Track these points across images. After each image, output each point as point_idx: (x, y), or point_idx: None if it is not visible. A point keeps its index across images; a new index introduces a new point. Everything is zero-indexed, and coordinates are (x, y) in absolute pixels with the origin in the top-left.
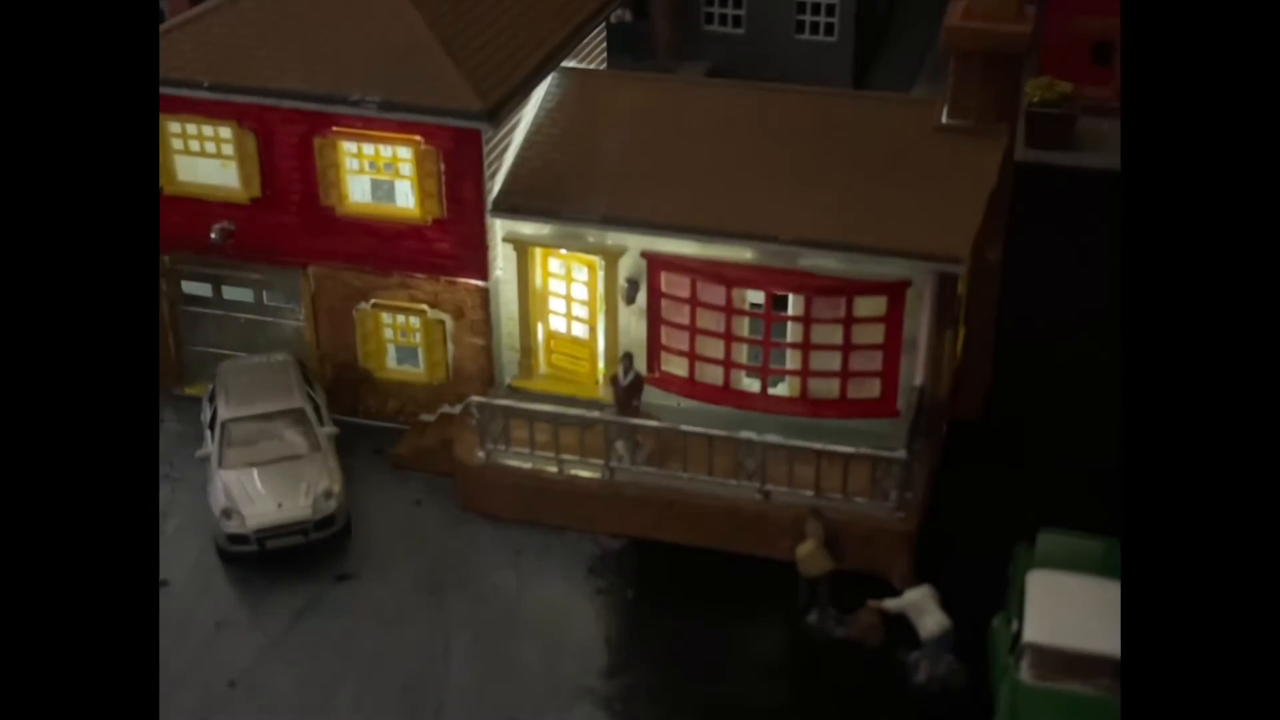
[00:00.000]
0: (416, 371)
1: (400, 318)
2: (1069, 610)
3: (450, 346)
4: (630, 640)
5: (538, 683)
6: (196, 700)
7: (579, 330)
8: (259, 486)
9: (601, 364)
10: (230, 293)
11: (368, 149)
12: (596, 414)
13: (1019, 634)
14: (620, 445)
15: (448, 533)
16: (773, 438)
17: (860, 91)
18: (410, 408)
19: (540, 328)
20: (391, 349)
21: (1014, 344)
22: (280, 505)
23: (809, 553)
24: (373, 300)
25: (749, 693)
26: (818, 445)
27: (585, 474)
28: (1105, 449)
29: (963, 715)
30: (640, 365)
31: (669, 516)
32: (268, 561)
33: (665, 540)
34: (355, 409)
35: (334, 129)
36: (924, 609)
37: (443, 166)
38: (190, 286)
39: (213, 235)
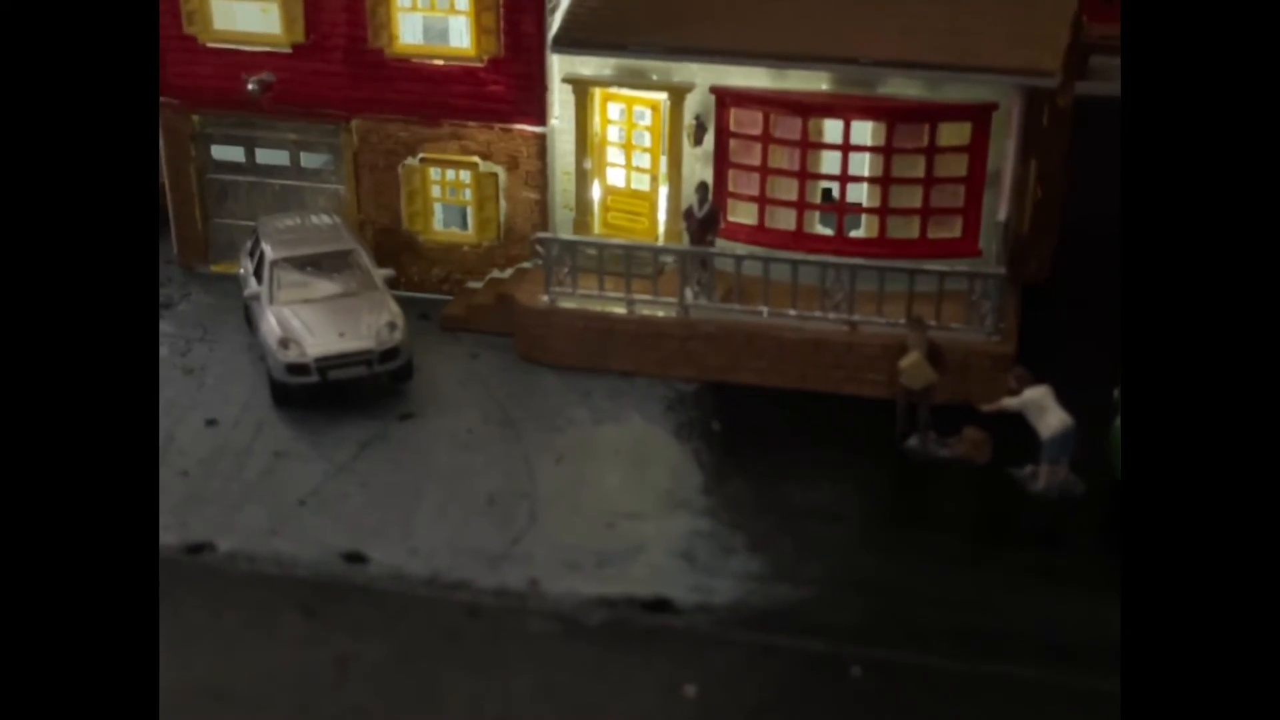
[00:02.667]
0: (464, 234)
1: (450, 173)
2: None
3: (503, 203)
4: (722, 462)
5: (632, 496)
6: (265, 516)
7: (639, 182)
8: (318, 318)
9: (662, 217)
10: (264, 156)
11: None
12: (671, 245)
13: None
14: (696, 282)
15: (510, 379)
16: (860, 260)
17: None
18: (456, 273)
19: (596, 182)
20: (438, 209)
21: None
22: (342, 335)
23: (913, 363)
24: (420, 155)
25: (855, 504)
26: (908, 264)
27: (657, 313)
28: None
29: (1082, 522)
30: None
31: (748, 355)
32: (323, 402)
33: (743, 383)
34: (397, 279)
35: None
36: (1045, 406)
37: None
38: (220, 151)
39: (250, 86)
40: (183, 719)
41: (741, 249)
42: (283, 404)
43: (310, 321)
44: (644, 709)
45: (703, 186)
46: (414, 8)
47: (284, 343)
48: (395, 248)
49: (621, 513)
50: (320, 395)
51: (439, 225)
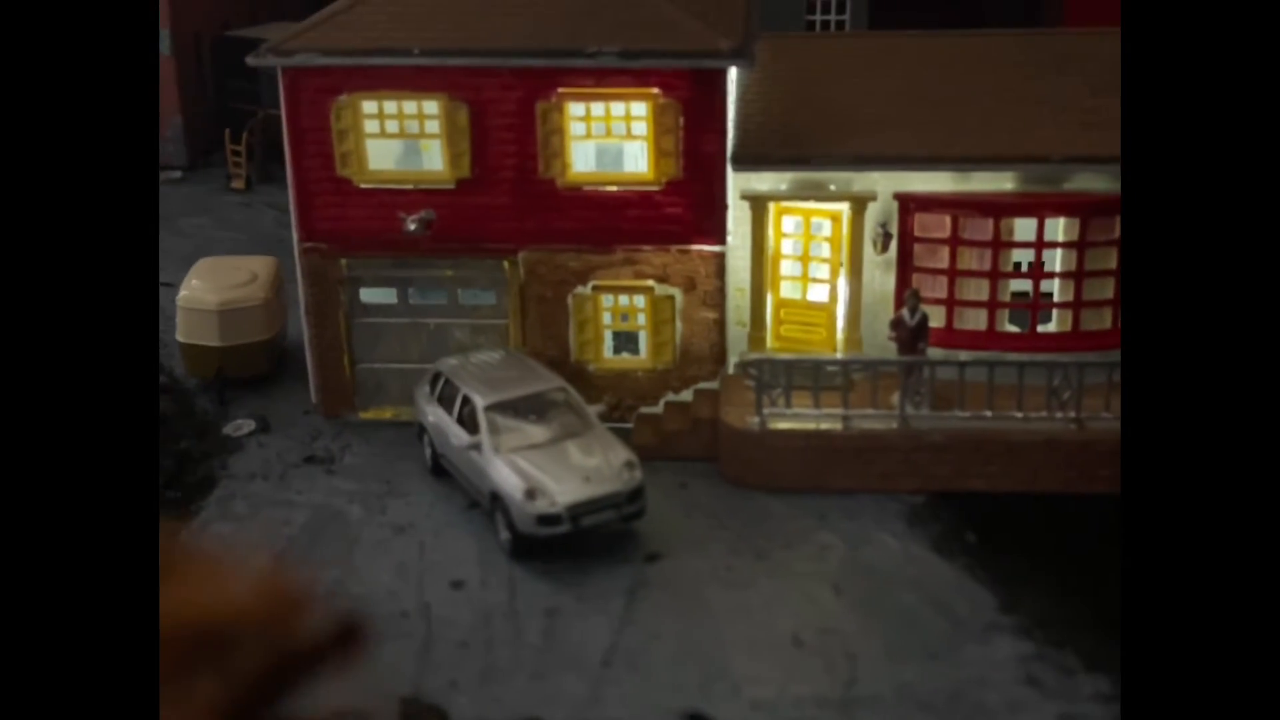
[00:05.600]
0: (637, 359)
1: (624, 298)
2: None
3: (678, 325)
4: (1000, 575)
5: (935, 623)
6: (578, 681)
7: (816, 293)
8: (555, 464)
9: (840, 326)
10: (417, 296)
11: (596, 110)
12: (889, 358)
13: None
14: (916, 391)
15: (733, 508)
16: (1090, 357)
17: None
18: (628, 401)
19: (769, 296)
20: (609, 336)
21: None
22: (587, 479)
23: None
24: (592, 282)
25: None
26: None
27: (876, 426)
28: None
29: None
30: (886, 319)
31: (975, 461)
32: (558, 553)
33: (971, 490)
34: None
35: (559, 91)
36: None
37: (681, 120)
38: (370, 294)
39: (410, 226)
40: None
41: (965, 354)
42: (522, 557)
43: (547, 468)
44: None
45: (914, 295)
46: (588, 136)
47: (530, 493)
48: (564, 379)
49: (937, 642)
50: (558, 545)
51: (609, 353)
